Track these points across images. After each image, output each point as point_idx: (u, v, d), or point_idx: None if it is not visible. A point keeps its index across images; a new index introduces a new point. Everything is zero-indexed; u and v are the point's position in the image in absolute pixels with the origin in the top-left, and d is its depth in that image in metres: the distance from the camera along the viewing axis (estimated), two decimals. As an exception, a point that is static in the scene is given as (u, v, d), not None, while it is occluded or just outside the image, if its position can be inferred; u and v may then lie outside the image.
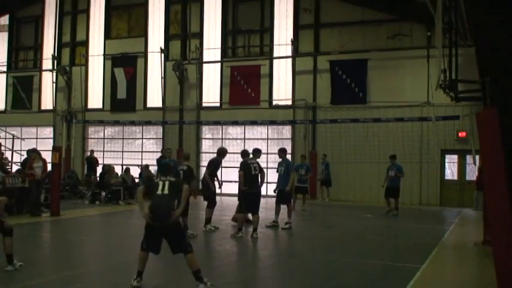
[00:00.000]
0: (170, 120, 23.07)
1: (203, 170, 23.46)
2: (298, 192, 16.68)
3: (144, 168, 20.09)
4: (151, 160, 22.03)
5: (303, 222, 14.45)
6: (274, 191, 13.05)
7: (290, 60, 22.04)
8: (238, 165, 11.48)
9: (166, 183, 7.02)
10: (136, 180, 20.65)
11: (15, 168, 18.27)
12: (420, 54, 19.97)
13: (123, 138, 25.13)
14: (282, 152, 12.94)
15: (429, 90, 17.40)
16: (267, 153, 22.04)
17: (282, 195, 12.65)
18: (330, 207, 18.52)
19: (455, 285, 7.67)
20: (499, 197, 6.62)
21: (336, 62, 21.22)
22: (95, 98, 25.62)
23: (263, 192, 11.85)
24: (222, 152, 12.47)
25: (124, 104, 24.57)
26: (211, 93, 23.48)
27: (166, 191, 6.94)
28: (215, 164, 12.27)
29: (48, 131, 26.64)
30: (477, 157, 12.22)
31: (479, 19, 8.31)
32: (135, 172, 21.01)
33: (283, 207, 12.88)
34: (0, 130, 24.65)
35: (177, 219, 7.01)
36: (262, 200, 11.89)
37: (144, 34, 24.74)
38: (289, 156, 21.83)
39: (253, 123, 20.96)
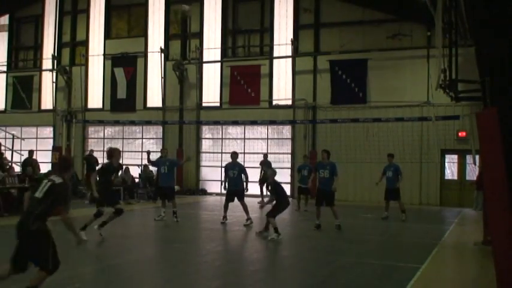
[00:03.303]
0: (170, 120, 23.07)
1: (204, 170, 23.82)
2: (301, 193, 16.66)
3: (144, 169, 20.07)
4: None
5: (303, 222, 14.43)
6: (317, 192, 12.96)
7: (290, 60, 22.03)
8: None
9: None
10: (136, 180, 20.68)
11: (14, 168, 18.22)
12: (420, 54, 19.97)
13: (123, 138, 25.13)
14: (325, 153, 12.90)
15: (429, 90, 17.41)
16: (267, 153, 22.05)
17: (327, 197, 12.50)
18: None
19: (455, 285, 7.67)
20: (499, 197, 6.62)
21: (336, 61, 21.22)
22: (95, 98, 25.62)
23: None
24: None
25: (124, 104, 24.57)
26: (211, 93, 23.48)
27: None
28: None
29: (48, 131, 26.64)
30: (477, 157, 12.23)
31: (479, 19, 8.31)
32: (135, 172, 21.02)
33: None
34: (0, 130, 24.66)
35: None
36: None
37: (144, 34, 24.74)
38: (289, 157, 22.05)
39: (253, 123, 20.96)
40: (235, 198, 13.34)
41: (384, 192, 15.21)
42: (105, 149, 15.45)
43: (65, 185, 5.84)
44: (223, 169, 14.36)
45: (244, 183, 13.39)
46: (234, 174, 13.30)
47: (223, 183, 13.74)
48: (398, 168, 14.90)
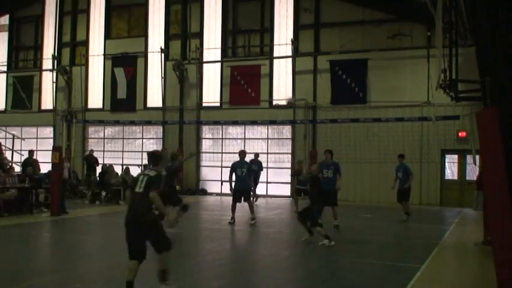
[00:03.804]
0: (170, 120, 23.07)
1: (204, 170, 23.82)
2: (299, 195, 16.61)
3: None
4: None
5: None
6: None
7: (290, 60, 22.03)
8: None
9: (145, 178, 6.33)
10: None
11: (15, 168, 18.23)
12: (420, 54, 19.97)
13: (123, 138, 25.13)
14: (329, 153, 13.11)
15: (429, 90, 17.41)
16: (267, 153, 22.07)
17: (331, 196, 12.53)
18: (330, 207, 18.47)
19: (455, 285, 7.67)
20: (499, 197, 6.62)
21: (336, 61, 21.22)
22: (95, 98, 25.62)
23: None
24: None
25: (124, 104, 24.57)
26: (211, 93, 23.48)
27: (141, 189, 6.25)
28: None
29: (48, 131, 26.64)
30: (477, 157, 12.21)
31: (479, 19, 8.31)
32: (135, 172, 21.02)
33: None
34: (0, 130, 24.66)
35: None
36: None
37: (144, 34, 24.74)
38: (289, 157, 22.04)
39: (253, 123, 20.96)
40: (242, 199, 13.22)
41: (396, 194, 14.94)
42: (165, 152, 15.74)
43: (159, 176, 6.45)
44: (222, 169, 14.35)
45: (253, 182, 13.39)
46: (243, 172, 13.18)
47: (229, 183, 13.51)
48: (408, 169, 14.83)
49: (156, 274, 6.34)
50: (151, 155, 6.74)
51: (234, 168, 13.34)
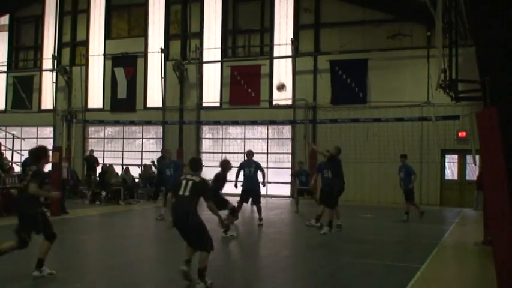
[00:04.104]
0: (170, 120, 23.07)
1: (204, 170, 23.65)
2: (300, 195, 16.60)
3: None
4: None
5: (303, 222, 14.44)
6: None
7: (290, 60, 22.03)
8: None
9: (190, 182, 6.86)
10: (137, 180, 20.68)
11: (14, 168, 18.23)
12: (420, 54, 19.97)
13: (123, 138, 25.13)
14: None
15: (429, 90, 17.41)
16: (267, 153, 22.08)
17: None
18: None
19: (455, 285, 7.66)
20: (499, 197, 6.62)
21: (336, 61, 21.22)
22: (95, 98, 25.62)
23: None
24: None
25: (124, 104, 24.57)
26: (211, 93, 23.48)
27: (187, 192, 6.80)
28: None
29: (48, 131, 26.64)
30: (477, 157, 12.21)
31: (479, 19, 8.31)
32: (135, 172, 21.03)
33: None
34: (0, 130, 24.65)
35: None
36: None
37: (144, 34, 24.74)
38: (289, 157, 22.04)
39: (253, 123, 20.94)
40: (250, 200, 13.08)
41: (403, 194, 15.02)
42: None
43: (205, 181, 7.05)
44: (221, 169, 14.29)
45: (262, 180, 13.35)
46: (251, 171, 13.11)
47: (235, 181, 13.50)
48: (410, 169, 14.84)
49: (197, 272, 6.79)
50: (194, 161, 7.29)
51: (242, 167, 13.30)
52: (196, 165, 7.21)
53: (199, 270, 6.71)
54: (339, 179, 11.83)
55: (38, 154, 7.42)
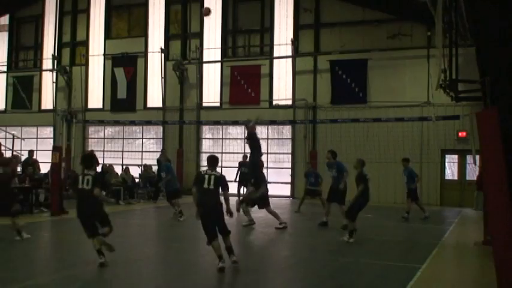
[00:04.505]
0: (170, 120, 23.07)
1: (204, 169, 23.68)
2: (308, 195, 16.44)
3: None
4: (151, 160, 22.04)
5: (303, 222, 14.46)
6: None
7: (290, 60, 22.03)
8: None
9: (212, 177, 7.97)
10: (137, 180, 20.67)
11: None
12: (420, 54, 19.97)
13: (123, 138, 25.13)
14: (329, 153, 13.36)
15: (429, 90, 17.41)
16: (267, 153, 22.04)
17: (337, 195, 13.16)
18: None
19: (455, 285, 7.66)
20: (499, 197, 6.62)
21: (336, 61, 21.22)
22: (95, 98, 25.62)
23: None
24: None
25: (124, 104, 24.58)
26: (211, 93, 23.48)
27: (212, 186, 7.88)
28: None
29: (48, 131, 26.64)
30: (477, 157, 12.22)
31: (479, 18, 8.31)
32: (135, 172, 21.02)
33: None
34: (0, 130, 24.65)
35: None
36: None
37: (144, 34, 24.75)
38: (289, 157, 22.04)
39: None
40: (256, 206, 12.86)
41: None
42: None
43: (223, 175, 8.26)
44: (222, 169, 14.33)
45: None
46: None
47: (236, 179, 13.55)
48: (413, 172, 15.01)
49: (225, 249, 7.91)
50: (212, 159, 8.69)
51: (240, 165, 13.31)
52: (215, 161, 8.59)
53: (229, 248, 7.94)
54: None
55: (93, 160, 8.61)
